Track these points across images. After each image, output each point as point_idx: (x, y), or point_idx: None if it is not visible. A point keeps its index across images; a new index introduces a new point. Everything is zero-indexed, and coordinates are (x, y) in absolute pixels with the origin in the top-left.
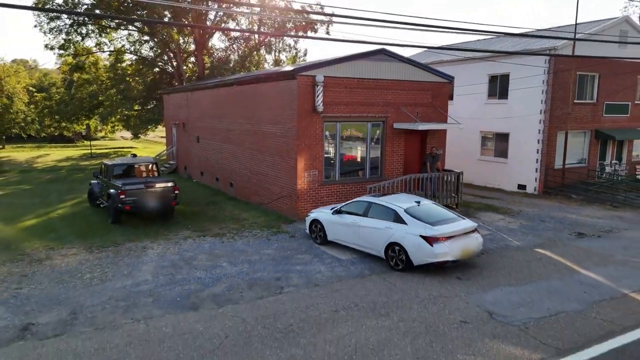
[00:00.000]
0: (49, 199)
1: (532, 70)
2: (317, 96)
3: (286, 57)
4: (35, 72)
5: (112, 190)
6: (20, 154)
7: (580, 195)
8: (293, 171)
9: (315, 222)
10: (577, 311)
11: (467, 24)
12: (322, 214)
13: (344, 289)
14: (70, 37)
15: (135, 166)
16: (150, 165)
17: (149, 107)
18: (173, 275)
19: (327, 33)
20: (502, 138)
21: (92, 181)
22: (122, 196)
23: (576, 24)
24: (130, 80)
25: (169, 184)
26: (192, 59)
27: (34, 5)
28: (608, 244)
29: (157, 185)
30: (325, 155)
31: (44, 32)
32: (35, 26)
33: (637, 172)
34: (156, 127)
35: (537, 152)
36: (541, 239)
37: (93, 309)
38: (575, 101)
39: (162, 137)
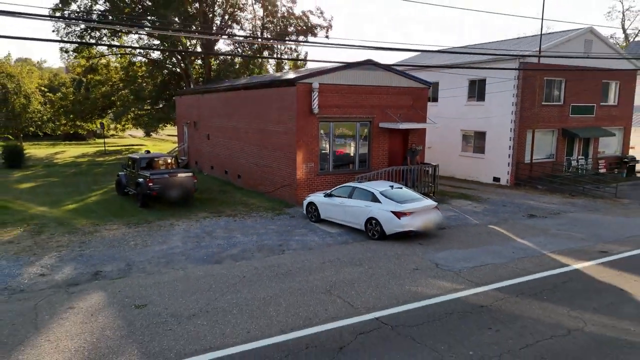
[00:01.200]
0: (79, 188)
1: (504, 76)
2: (313, 100)
3: (287, 58)
4: (45, 73)
5: (140, 179)
6: (38, 150)
7: (545, 186)
8: (293, 164)
9: (310, 204)
10: (502, 263)
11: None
12: (316, 197)
13: (331, 251)
14: (84, 40)
15: (159, 159)
16: (170, 159)
17: (159, 106)
18: (198, 243)
19: (327, 37)
20: (480, 136)
21: (119, 173)
22: (150, 184)
23: (541, 35)
24: (141, 81)
25: (189, 174)
26: (199, 61)
27: (51, 14)
28: (550, 222)
29: (179, 175)
30: (321, 151)
31: (61, 37)
32: (53, 31)
33: (599, 167)
34: (166, 126)
35: (509, 149)
36: (497, 218)
37: (142, 263)
38: (543, 103)
39: (169, 135)
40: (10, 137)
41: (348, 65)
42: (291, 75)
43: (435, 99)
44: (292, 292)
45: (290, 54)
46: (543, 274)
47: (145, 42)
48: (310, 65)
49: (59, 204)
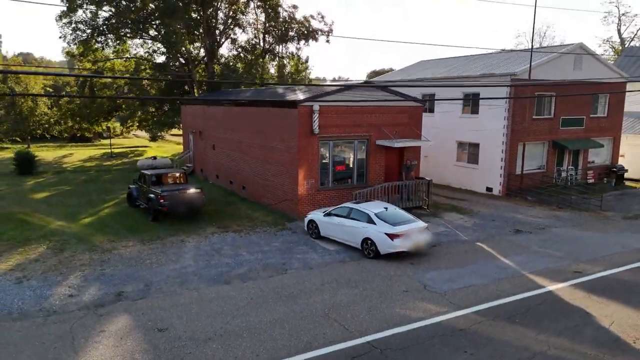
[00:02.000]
0: (92, 199)
1: (497, 92)
2: (314, 122)
3: (288, 62)
4: (49, 71)
5: (152, 195)
6: (46, 153)
7: (534, 197)
8: (295, 180)
9: (311, 221)
10: (484, 284)
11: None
12: (317, 215)
13: (329, 271)
14: (90, 44)
15: (169, 174)
16: (179, 174)
17: (164, 109)
18: (208, 261)
19: (327, 41)
20: (474, 147)
21: (130, 186)
22: (161, 200)
23: (532, 52)
24: (145, 85)
25: (198, 190)
26: (203, 66)
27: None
28: (534, 238)
29: (189, 191)
30: (321, 167)
31: (68, 43)
32: (60, 37)
33: (587, 178)
34: (170, 130)
35: (501, 161)
36: (485, 234)
37: (159, 283)
38: (534, 117)
39: (173, 134)
40: (19, 139)
41: (347, 87)
42: (294, 95)
43: (431, 110)
44: (295, 315)
45: (292, 58)
46: (519, 296)
47: (150, 46)
48: (310, 68)
49: (75, 218)
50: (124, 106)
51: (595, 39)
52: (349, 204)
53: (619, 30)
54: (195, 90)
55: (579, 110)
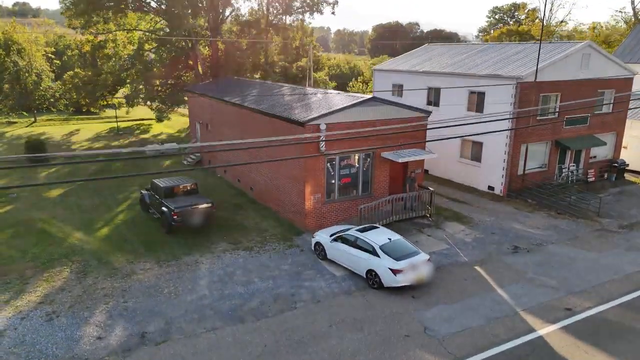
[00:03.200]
0: (105, 199)
1: (502, 93)
2: (321, 140)
3: (293, 36)
4: (50, 35)
5: (165, 209)
6: (52, 128)
7: (534, 200)
8: (302, 194)
9: (318, 244)
10: (479, 326)
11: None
12: (323, 238)
13: (335, 306)
14: (92, 17)
15: (181, 186)
16: (190, 185)
17: (168, 87)
18: (222, 291)
19: (333, 13)
20: (477, 146)
21: (142, 191)
22: (174, 217)
23: (538, 57)
24: (148, 57)
25: (209, 204)
26: (207, 42)
27: None
28: (529, 261)
29: (201, 206)
30: (327, 181)
31: (69, 17)
32: (62, 13)
33: (588, 176)
34: (177, 109)
35: (504, 161)
36: (484, 254)
37: (178, 320)
38: (539, 118)
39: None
40: (25, 113)
41: (353, 105)
42: (302, 111)
43: (437, 104)
44: None
45: (296, 32)
46: (510, 344)
47: (152, 17)
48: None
49: (92, 227)
50: (128, 80)
51: (608, 9)
52: (354, 232)
53: (632, 2)
54: (199, 67)
55: (583, 109)
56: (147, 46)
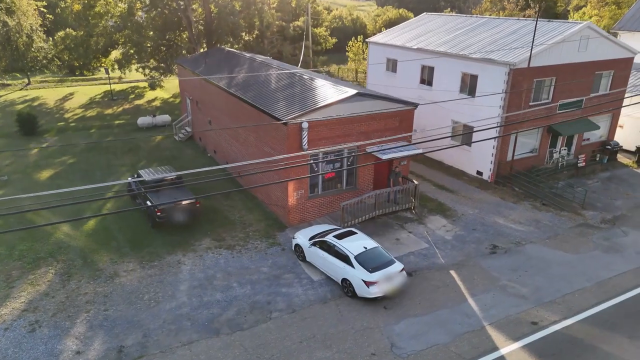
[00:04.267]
0: (95, 181)
1: (494, 76)
2: (303, 138)
3: None
4: None
5: (150, 204)
6: (46, 92)
7: (522, 188)
8: (285, 191)
9: (297, 246)
10: (445, 344)
11: None
12: (302, 239)
13: (309, 317)
14: None
15: (168, 179)
16: (177, 178)
17: (161, 52)
18: (201, 298)
19: None
20: (468, 129)
21: (130, 178)
22: (158, 213)
23: (532, 44)
24: (140, 19)
25: (193, 201)
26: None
27: None
28: (505, 264)
29: (184, 202)
30: (311, 176)
31: None
32: None
33: (578, 161)
34: (169, 76)
35: (493, 148)
36: (462, 254)
37: (156, 332)
38: (531, 104)
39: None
40: (18, 75)
41: (337, 102)
42: (283, 110)
43: (430, 83)
44: None
45: None
46: None
47: None
48: None
49: (79, 217)
50: (121, 40)
51: None
52: (331, 239)
53: None
54: (192, 29)
55: (579, 92)
56: (138, 5)
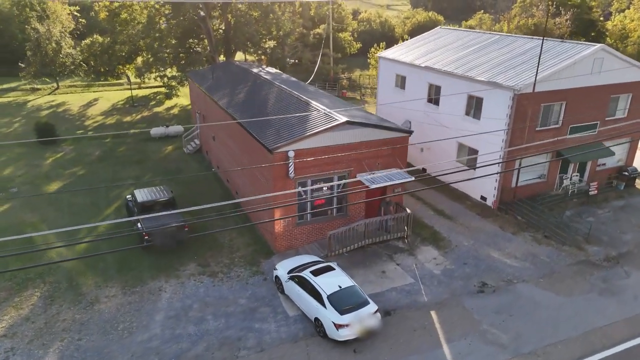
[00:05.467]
0: (98, 198)
1: (499, 101)
2: (290, 166)
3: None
4: None
5: (139, 227)
6: (73, 97)
7: (524, 217)
8: (272, 216)
9: (277, 277)
10: None
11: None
12: (282, 271)
13: (276, 359)
14: None
15: (158, 201)
16: (168, 199)
17: (180, 59)
18: (174, 330)
19: None
20: (473, 152)
21: (127, 197)
22: (145, 237)
23: (537, 68)
24: (161, 22)
25: (181, 224)
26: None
27: None
28: (490, 304)
29: (171, 226)
30: (299, 203)
31: None
32: None
33: (590, 189)
34: (186, 84)
35: (497, 173)
36: (447, 292)
37: None
38: (538, 129)
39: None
40: (47, 79)
41: (325, 130)
42: (270, 138)
43: (437, 102)
44: None
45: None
46: None
47: None
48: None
49: (74, 236)
50: (145, 47)
51: None
52: (308, 275)
53: None
54: (212, 38)
55: (592, 115)
56: (159, 17)
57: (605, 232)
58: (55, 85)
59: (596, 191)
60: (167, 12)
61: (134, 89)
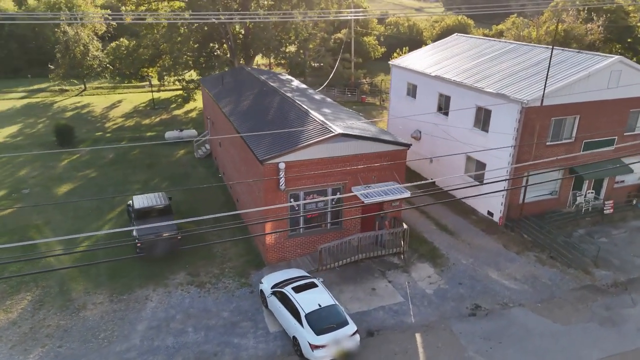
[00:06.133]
0: (103, 200)
1: (507, 114)
2: (280, 178)
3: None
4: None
5: (134, 234)
6: (98, 99)
7: (531, 236)
8: (263, 229)
9: (262, 291)
10: None
11: None
12: (266, 285)
13: None
14: None
15: (155, 208)
16: (163, 207)
17: (200, 64)
18: (152, 342)
19: None
20: (480, 166)
21: (128, 202)
22: (138, 245)
23: (547, 78)
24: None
25: (174, 233)
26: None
27: None
28: (480, 330)
29: (164, 235)
30: (291, 215)
31: None
32: None
33: (605, 208)
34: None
35: (504, 189)
36: (436, 314)
37: None
38: (549, 143)
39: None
40: (75, 81)
41: (317, 142)
42: (261, 149)
43: (446, 113)
44: None
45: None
46: None
47: None
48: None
49: (74, 241)
50: (167, 50)
51: None
52: (290, 292)
53: None
54: (231, 43)
55: (609, 131)
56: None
57: (617, 255)
58: (82, 86)
59: (612, 210)
60: (188, 16)
61: (156, 91)
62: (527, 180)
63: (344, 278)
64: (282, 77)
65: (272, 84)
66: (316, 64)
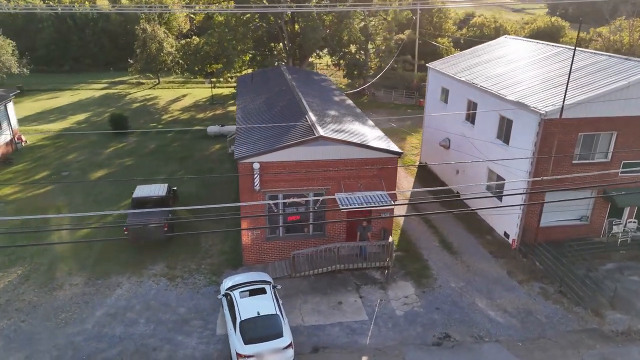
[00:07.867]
0: (125, 189)
1: (526, 126)
2: (255, 179)
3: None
4: None
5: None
6: (167, 92)
7: (544, 264)
8: (240, 229)
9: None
10: None
11: None
12: (225, 286)
13: None
14: None
15: (152, 198)
16: (165, 196)
17: (256, 62)
18: (102, 328)
19: None
20: (500, 181)
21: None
22: (125, 231)
23: (566, 89)
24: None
25: (161, 223)
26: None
27: None
28: None
29: (150, 224)
30: (269, 217)
31: None
32: None
33: None
34: None
35: (520, 208)
36: (396, 339)
37: (39, 356)
38: (575, 162)
39: None
40: (151, 75)
41: (295, 144)
42: (240, 150)
43: (473, 122)
44: None
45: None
46: None
47: None
48: None
49: (82, 222)
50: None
51: None
52: (238, 296)
53: None
54: (286, 42)
55: None
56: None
57: (636, 299)
58: (156, 80)
59: None
60: (247, 16)
61: (216, 87)
62: (542, 205)
63: (314, 288)
64: (315, 77)
65: (293, 83)
66: (375, 65)
